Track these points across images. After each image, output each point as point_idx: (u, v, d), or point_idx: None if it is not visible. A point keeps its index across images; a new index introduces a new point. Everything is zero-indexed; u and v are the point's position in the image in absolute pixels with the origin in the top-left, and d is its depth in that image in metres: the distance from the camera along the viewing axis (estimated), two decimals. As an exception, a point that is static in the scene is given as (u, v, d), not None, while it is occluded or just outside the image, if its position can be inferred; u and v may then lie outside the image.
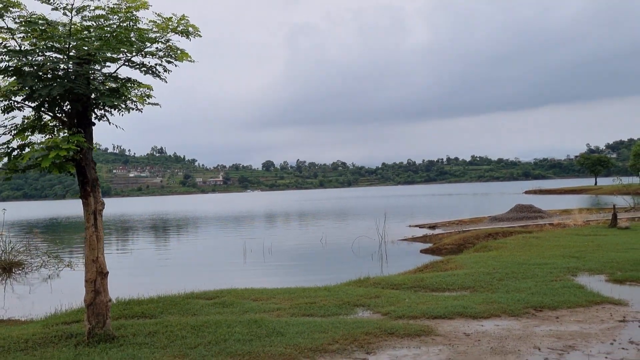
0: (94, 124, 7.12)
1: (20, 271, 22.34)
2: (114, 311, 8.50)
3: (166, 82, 7.25)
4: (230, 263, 23.00)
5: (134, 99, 7.19)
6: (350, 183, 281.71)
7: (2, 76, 6.77)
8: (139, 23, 6.90)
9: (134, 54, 7.05)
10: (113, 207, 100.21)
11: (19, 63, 6.49)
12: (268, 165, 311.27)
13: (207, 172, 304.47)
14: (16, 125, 6.80)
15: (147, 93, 7.23)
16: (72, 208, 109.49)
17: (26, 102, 6.88)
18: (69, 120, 6.91)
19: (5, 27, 6.38)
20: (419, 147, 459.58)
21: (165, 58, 7.18)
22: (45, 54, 6.57)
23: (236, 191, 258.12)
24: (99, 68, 6.85)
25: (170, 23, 6.94)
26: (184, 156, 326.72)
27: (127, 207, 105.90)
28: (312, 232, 34.99)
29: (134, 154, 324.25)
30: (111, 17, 6.76)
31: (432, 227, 34.11)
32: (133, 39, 6.90)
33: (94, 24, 6.60)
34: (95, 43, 6.67)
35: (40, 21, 6.20)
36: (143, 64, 7.15)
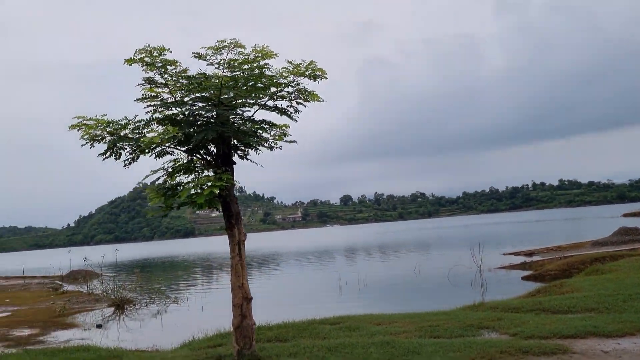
0: (235, 163, 7.92)
1: (131, 307, 23.91)
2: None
3: (296, 121, 7.95)
4: (326, 295, 23.38)
5: (272, 138, 7.93)
6: (430, 214, 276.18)
7: (157, 125, 7.75)
8: (266, 70, 7.68)
9: (267, 98, 7.83)
10: (197, 246, 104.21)
11: (174, 113, 7.45)
12: (346, 199, 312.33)
13: (286, 209, 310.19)
14: (172, 168, 7.69)
15: (284, 132, 7.96)
16: (161, 249, 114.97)
17: (177, 147, 7.81)
18: (214, 161, 7.75)
19: (163, 82, 7.36)
20: (502, 174, 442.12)
21: (295, 100, 7.90)
22: (196, 103, 7.48)
23: (315, 226, 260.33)
24: (240, 113, 7.68)
25: (299, 68, 7.67)
26: (263, 194, 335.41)
27: (211, 247, 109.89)
28: (404, 263, 34.84)
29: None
30: (244, 66, 7.59)
31: (529, 254, 32.95)
32: (263, 85, 7.68)
33: (239, 74, 7.44)
34: (230, 93, 7.52)
35: (197, 76, 7.12)
36: (276, 107, 7.91)
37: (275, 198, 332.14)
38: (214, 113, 7.29)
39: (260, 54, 7.60)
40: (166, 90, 7.59)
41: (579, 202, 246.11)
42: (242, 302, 7.71)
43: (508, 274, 24.81)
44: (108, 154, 7.72)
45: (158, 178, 7.62)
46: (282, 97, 7.92)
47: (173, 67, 7.20)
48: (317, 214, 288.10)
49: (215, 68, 7.23)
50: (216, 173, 7.50)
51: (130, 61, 7.16)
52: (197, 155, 7.79)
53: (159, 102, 7.50)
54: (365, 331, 9.21)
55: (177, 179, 7.95)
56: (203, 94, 7.46)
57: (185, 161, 7.74)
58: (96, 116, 7.59)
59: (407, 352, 7.34)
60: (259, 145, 7.81)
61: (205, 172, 7.77)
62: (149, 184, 7.76)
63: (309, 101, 7.88)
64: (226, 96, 7.46)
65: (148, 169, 7.75)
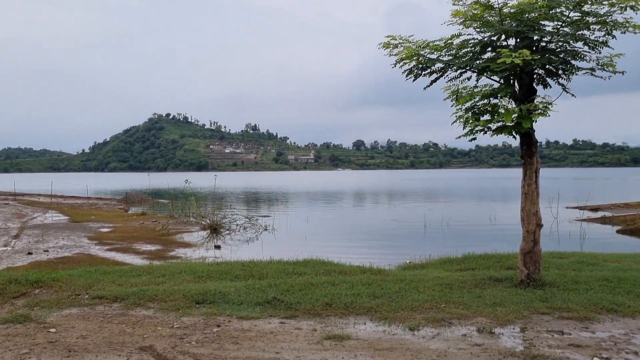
0: (536, 91, 7.91)
1: (224, 232, 24.11)
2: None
3: (599, 52, 7.83)
4: (411, 236, 23.55)
5: (595, 67, 7.75)
6: (441, 164, 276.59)
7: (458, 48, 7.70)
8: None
9: (572, 28, 7.70)
10: (218, 180, 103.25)
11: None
12: (358, 144, 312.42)
13: (299, 149, 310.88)
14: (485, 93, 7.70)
15: (611, 62, 7.79)
16: (170, 180, 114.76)
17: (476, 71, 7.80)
18: (520, 90, 7.74)
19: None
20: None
21: (603, 31, 7.74)
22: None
23: (327, 169, 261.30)
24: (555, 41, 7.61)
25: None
26: (277, 134, 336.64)
27: (226, 182, 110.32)
28: (471, 211, 35.27)
29: (229, 130, 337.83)
30: None
31: (594, 209, 33.28)
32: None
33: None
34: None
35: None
36: (583, 37, 7.75)
37: (288, 138, 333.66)
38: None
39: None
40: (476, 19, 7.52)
41: (592, 162, 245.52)
42: (536, 228, 7.92)
43: (592, 228, 24.99)
44: (410, 74, 7.76)
45: (472, 103, 7.65)
46: (587, 27, 7.77)
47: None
48: (329, 156, 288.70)
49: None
50: (523, 102, 7.53)
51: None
52: (500, 83, 7.77)
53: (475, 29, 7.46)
54: (604, 267, 9.51)
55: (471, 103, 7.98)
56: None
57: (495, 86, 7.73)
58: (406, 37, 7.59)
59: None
60: (569, 75, 7.76)
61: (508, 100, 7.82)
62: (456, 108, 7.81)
63: (623, 33, 7.72)
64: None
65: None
